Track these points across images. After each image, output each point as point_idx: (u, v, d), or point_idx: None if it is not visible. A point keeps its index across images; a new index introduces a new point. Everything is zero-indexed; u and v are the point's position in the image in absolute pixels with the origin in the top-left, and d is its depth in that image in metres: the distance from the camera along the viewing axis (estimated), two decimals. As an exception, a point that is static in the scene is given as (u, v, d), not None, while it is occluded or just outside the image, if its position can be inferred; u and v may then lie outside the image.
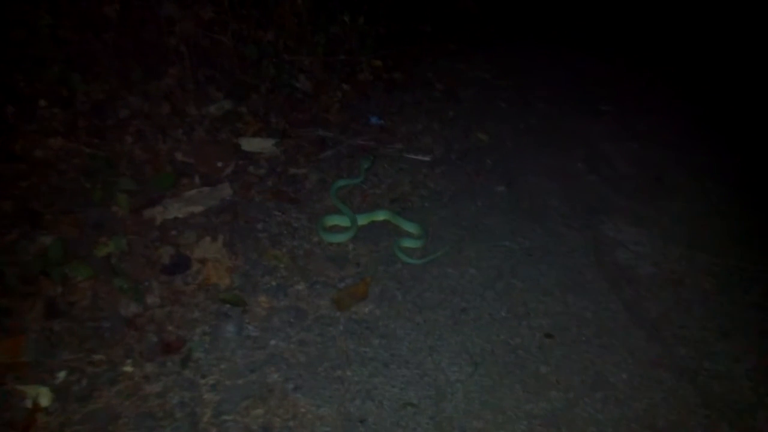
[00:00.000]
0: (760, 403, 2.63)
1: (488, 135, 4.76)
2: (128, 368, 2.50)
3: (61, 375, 2.43)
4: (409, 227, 3.54)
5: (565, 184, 4.20)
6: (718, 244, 3.66)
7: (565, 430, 2.44)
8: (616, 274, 3.36)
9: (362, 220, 3.53)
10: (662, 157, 4.69)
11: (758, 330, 3.03)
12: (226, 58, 4.39)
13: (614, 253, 3.52)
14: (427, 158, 4.31)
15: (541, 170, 4.34)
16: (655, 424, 2.51)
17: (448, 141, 4.60)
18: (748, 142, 5.07)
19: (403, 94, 5.26)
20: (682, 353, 2.88)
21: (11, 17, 3.56)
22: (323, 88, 4.89)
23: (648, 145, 4.86)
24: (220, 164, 3.84)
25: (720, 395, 2.67)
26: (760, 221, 3.93)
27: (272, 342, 2.71)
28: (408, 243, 3.41)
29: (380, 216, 3.60)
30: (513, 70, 6.11)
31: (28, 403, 2.29)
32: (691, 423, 2.54)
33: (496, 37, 6.98)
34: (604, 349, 2.85)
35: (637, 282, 3.31)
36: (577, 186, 4.21)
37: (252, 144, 4.08)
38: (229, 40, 4.36)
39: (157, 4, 4.05)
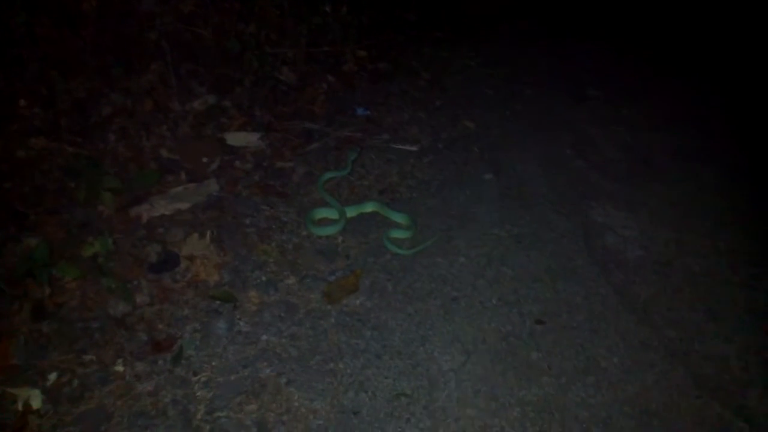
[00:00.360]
0: (750, 382, 2.65)
1: (475, 123, 4.76)
2: (119, 368, 2.49)
3: (52, 377, 2.42)
4: (398, 218, 3.54)
5: (552, 171, 4.20)
6: (706, 227, 3.68)
7: (558, 415, 2.45)
8: (605, 259, 3.37)
9: (351, 212, 3.53)
10: (649, 141, 4.71)
11: (747, 310, 3.05)
12: (208, 52, 4.35)
13: (603, 238, 3.54)
14: (414, 148, 4.31)
15: (528, 157, 4.34)
16: (647, 407, 2.53)
17: (435, 130, 4.60)
18: (735, 124, 5.09)
19: (388, 84, 5.26)
20: (673, 335, 2.90)
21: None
22: (308, 80, 4.87)
23: (635, 129, 4.87)
24: (205, 160, 3.82)
25: (711, 376, 2.69)
26: (747, 203, 3.95)
27: (264, 337, 2.71)
28: (397, 234, 3.42)
29: (369, 207, 3.60)
30: (498, 57, 6.10)
31: (20, 406, 2.28)
32: (683, 404, 2.56)
33: (481, 24, 6.96)
34: (595, 334, 2.86)
35: (626, 266, 3.33)
36: (565, 172, 4.22)
37: (237, 138, 4.06)
38: (211, 33, 4.33)
39: (136, -1, 4.00)
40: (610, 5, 7.85)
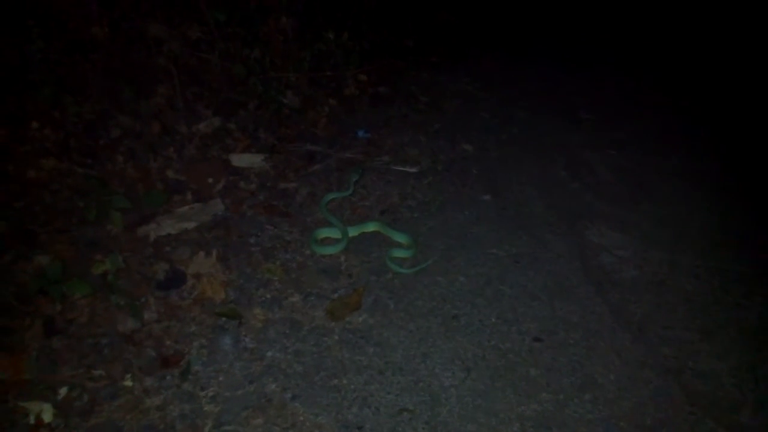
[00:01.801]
0: (743, 400, 2.70)
1: (473, 146, 4.85)
2: (128, 383, 2.54)
3: (63, 391, 2.47)
4: (399, 238, 3.60)
5: (548, 192, 4.29)
6: (699, 247, 3.75)
7: (556, 430, 2.50)
8: (601, 278, 3.44)
9: (353, 232, 3.59)
10: (642, 163, 4.79)
11: (739, 329, 3.11)
12: (214, 76, 4.45)
13: (599, 258, 3.61)
14: (414, 170, 4.39)
15: (525, 179, 4.43)
16: (643, 423, 2.57)
17: (434, 152, 4.69)
18: (726, 146, 5.19)
19: (388, 107, 5.36)
20: (667, 353, 2.95)
21: (2, 41, 3.60)
22: (310, 103, 4.97)
23: (628, 151, 4.96)
24: (211, 180, 3.90)
25: (704, 393, 2.74)
26: (738, 223, 4.03)
27: (269, 353, 2.76)
28: (398, 253, 3.48)
29: (370, 227, 3.67)
30: (494, 81, 6.22)
31: (31, 420, 2.32)
32: (678, 420, 2.60)
33: (477, 49, 7.11)
34: (592, 351, 2.92)
35: (622, 285, 3.40)
36: (561, 193, 4.30)
37: (242, 160, 4.14)
38: (217, 58, 4.43)
39: (145, 25, 4.10)
40: (602, 33, 8.00)
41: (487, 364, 2.80)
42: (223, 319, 2.92)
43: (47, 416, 2.35)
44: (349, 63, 5.38)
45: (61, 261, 2.89)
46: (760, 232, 3.92)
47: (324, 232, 3.60)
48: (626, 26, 8.13)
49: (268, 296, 3.10)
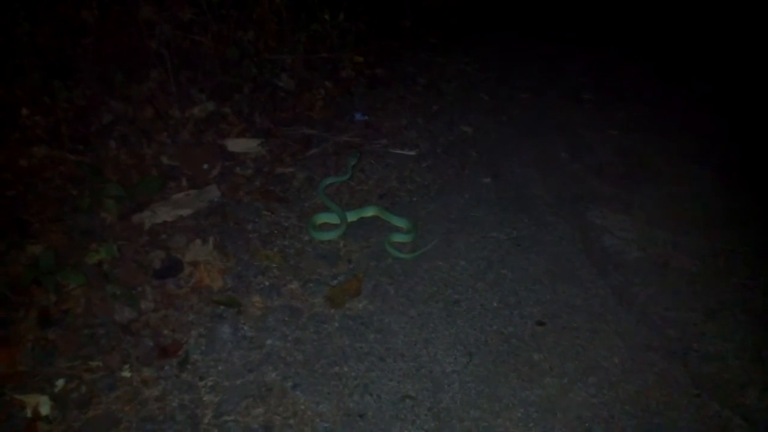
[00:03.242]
0: (748, 381, 2.68)
1: (472, 127, 4.79)
2: (126, 373, 2.51)
3: (60, 383, 2.44)
4: (399, 222, 3.56)
5: (549, 174, 4.24)
6: (703, 227, 3.71)
7: (560, 415, 2.48)
8: (604, 261, 3.41)
9: (351, 217, 3.55)
10: (644, 143, 4.74)
11: (744, 310, 3.08)
12: (207, 59, 4.38)
13: (601, 240, 3.57)
14: (412, 153, 4.34)
15: (525, 160, 4.38)
16: (647, 406, 2.55)
17: (433, 135, 4.63)
18: (729, 126, 5.13)
19: (386, 89, 5.30)
20: (671, 335, 2.92)
21: (-12, 25, 3.54)
22: (306, 86, 4.91)
23: (629, 132, 4.91)
24: (206, 166, 3.85)
25: (709, 375, 2.72)
26: (743, 203, 3.99)
27: (268, 341, 2.73)
28: (398, 238, 3.44)
29: (369, 212, 3.63)
30: (493, 62, 6.15)
31: (28, 413, 2.29)
32: (683, 403, 2.58)
33: (476, 29, 7.03)
34: (595, 335, 2.89)
35: (625, 267, 3.36)
36: (562, 175, 4.26)
37: (237, 144, 4.09)
38: (210, 41, 4.36)
39: (135, 8, 4.02)
40: (603, 12, 7.90)
41: (489, 349, 2.77)
42: (221, 307, 2.88)
43: (44, 409, 2.31)
44: (345, 44, 5.32)
45: (54, 250, 2.85)
46: (765, 212, 3.87)
47: (322, 218, 3.56)
48: (630, 5, 8.01)
49: (267, 283, 3.06)
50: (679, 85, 5.95)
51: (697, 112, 5.37)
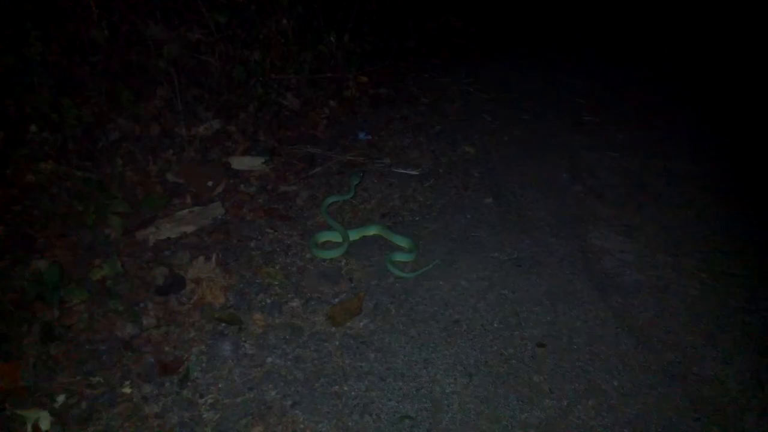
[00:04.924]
0: (748, 405, 2.67)
1: (474, 148, 4.82)
2: (127, 390, 2.53)
3: (60, 398, 2.45)
4: (400, 241, 3.58)
5: (550, 195, 4.25)
6: (702, 251, 3.72)
7: (559, 437, 2.48)
8: (604, 282, 3.41)
9: (354, 236, 3.57)
10: (644, 165, 4.75)
11: (744, 333, 3.08)
12: (213, 78, 4.43)
13: (601, 262, 3.58)
14: (415, 172, 4.36)
15: (527, 181, 4.40)
16: (647, 429, 2.55)
17: (435, 154, 4.66)
18: (732, 149, 5.14)
19: (389, 109, 5.33)
20: (671, 358, 2.92)
21: (1, 44, 3.58)
22: (311, 105, 4.96)
23: (630, 154, 4.92)
24: (210, 183, 3.88)
25: (709, 399, 2.71)
26: (742, 227, 4.00)
27: (269, 359, 2.74)
28: (399, 257, 3.46)
29: (371, 231, 3.64)
30: (495, 83, 6.18)
31: (29, 428, 2.31)
32: (682, 427, 2.57)
33: (478, 50, 7.07)
34: (595, 357, 2.89)
35: (625, 289, 3.36)
36: (563, 196, 4.27)
37: (242, 162, 4.12)
38: (217, 60, 4.40)
39: (145, 27, 4.08)
40: (603, 34, 7.96)
41: (489, 370, 2.77)
42: (223, 324, 2.90)
43: (44, 424, 2.33)
44: (349, 65, 5.36)
45: (59, 266, 2.86)
46: (765, 236, 3.87)
47: (325, 236, 3.58)
48: (630, 29, 8.07)
49: (269, 301, 3.08)
50: (680, 108, 5.96)
51: (700, 135, 5.38)
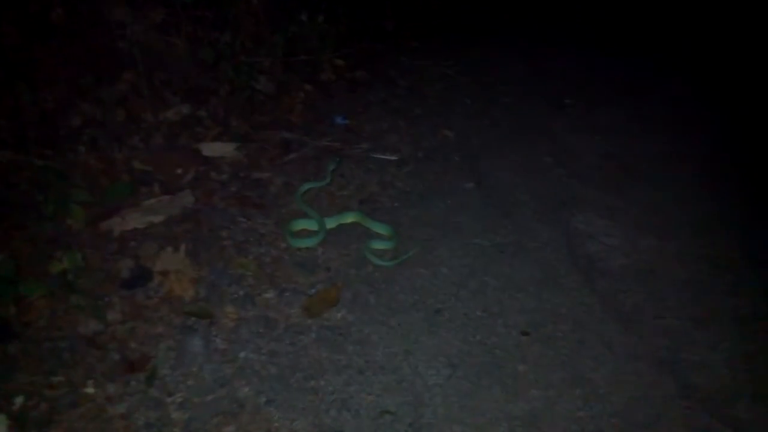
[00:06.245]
0: (739, 391, 2.62)
1: (454, 132, 4.73)
2: (90, 389, 2.40)
3: (19, 400, 2.32)
4: (379, 228, 3.49)
5: (533, 179, 4.19)
6: (689, 233, 3.67)
7: (546, 429, 2.41)
8: (589, 267, 3.35)
9: (330, 224, 3.47)
10: (627, 147, 4.71)
11: (733, 318, 3.03)
12: (181, 61, 4.27)
13: (586, 246, 3.51)
14: (394, 157, 4.27)
15: (508, 165, 4.32)
16: (635, 418, 2.49)
17: (414, 139, 4.56)
18: (715, 130, 5.10)
19: (367, 92, 5.22)
20: (659, 344, 2.87)
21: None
22: (285, 89, 4.81)
23: (612, 136, 4.87)
24: (180, 171, 3.74)
25: (698, 385, 2.66)
26: (729, 208, 3.96)
27: (241, 354, 2.63)
28: (378, 245, 3.37)
29: (349, 218, 3.54)
30: (476, 65, 6.09)
31: (-18, 433, 2.16)
32: (672, 415, 2.52)
33: (458, 32, 6.97)
34: (581, 345, 2.83)
35: (610, 274, 3.30)
36: (545, 180, 4.21)
37: (213, 149, 3.99)
38: (184, 42, 4.24)
39: (106, 8, 3.90)
40: (584, 15, 7.89)
41: (472, 361, 2.69)
42: (193, 318, 2.77)
43: (1, 428, 2.20)
44: (324, 47, 5.22)
45: (15, 259, 2.71)
46: (751, 216, 3.84)
47: (300, 224, 3.47)
48: (614, 12, 7.99)
49: (241, 293, 2.96)
50: (661, 88, 5.92)
51: (681, 115, 5.35)
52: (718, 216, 3.86)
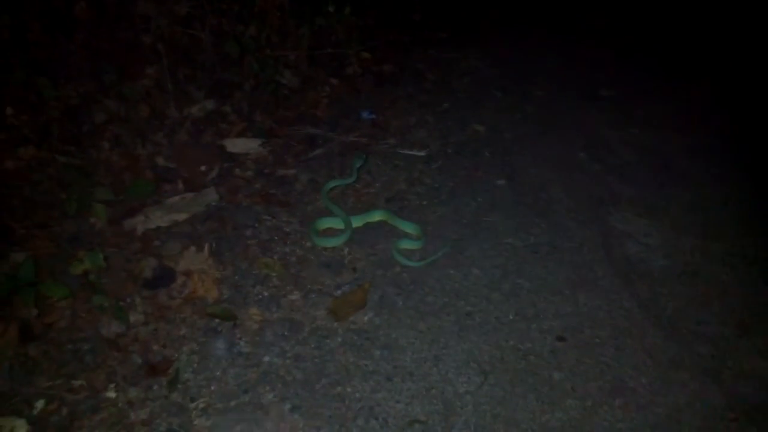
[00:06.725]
0: (790, 403, 2.48)
1: (485, 126, 4.63)
2: (111, 394, 2.36)
3: (39, 404, 2.30)
4: (407, 227, 3.41)
5: (567, 175, 4.07)
6: (734, 233, 3.53)
7: (584, 442, 2.29)
8: (628, 269, 3.23)
9: (357, 222, 3.40)
10: (667, 142, 4.57)
11: (782, 323, 2.89)
12: (206, 55, 4.22)
13: (624, 247, 3.39)
14: (422, 153, 4.18)
15: (541, 161, 4.21)
16: (679, 430, 2.37)
17: (443, 134, 4.47)
18: (757, 125, 4.91)
19: (394, 86, 5.15)
20: (703, 352, 2.74)
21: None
22: (310, 83, 4.76)
23: (651, 130, 4.74)
24: (204, 168, 3.71)
25: (746, 396, 2.54)
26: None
27: (266, 358, 2.56)
28: (406, 244, 3.29)
29: (376, 217, 3.48)
30: (506, 57, 5.99)
31: (3, 438, 2.13)
32: (718, 427, 2.40)
33: (488, 23, 6.88)
34: (621, 351, 2.71)
35: (650, 276, 3.18)
36: (581, 176, 4.09)
37: (237, 145, 3.95)
38: (208, 36, 4.19)
39: (130, 2, 3.86)
40: (619, 4, 7.69)
41: (505, 367, 2.59)
42: (216, 320, 2.71)
43: (21, 434, 2.17)
44: (351, 40, 5.16)
45: (36, 259, 2.68)
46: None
47: (326, 223, 3.41)
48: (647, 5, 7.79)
49: (266, 294, 2.90)
50: (701, 81, 5.73)
51: (722, 110, 5.17)
52: (764, 216, 3.71)
